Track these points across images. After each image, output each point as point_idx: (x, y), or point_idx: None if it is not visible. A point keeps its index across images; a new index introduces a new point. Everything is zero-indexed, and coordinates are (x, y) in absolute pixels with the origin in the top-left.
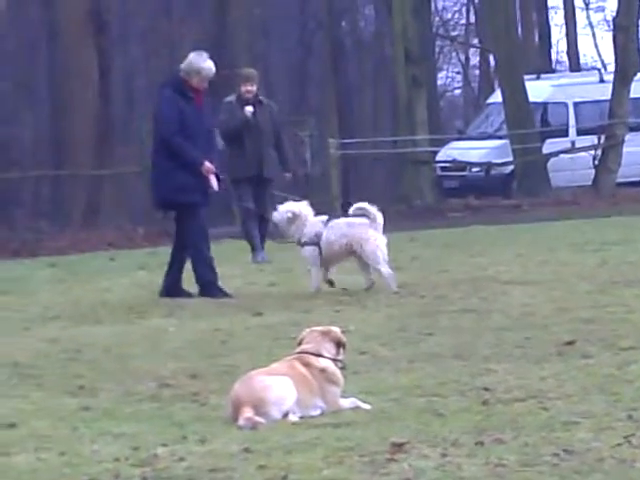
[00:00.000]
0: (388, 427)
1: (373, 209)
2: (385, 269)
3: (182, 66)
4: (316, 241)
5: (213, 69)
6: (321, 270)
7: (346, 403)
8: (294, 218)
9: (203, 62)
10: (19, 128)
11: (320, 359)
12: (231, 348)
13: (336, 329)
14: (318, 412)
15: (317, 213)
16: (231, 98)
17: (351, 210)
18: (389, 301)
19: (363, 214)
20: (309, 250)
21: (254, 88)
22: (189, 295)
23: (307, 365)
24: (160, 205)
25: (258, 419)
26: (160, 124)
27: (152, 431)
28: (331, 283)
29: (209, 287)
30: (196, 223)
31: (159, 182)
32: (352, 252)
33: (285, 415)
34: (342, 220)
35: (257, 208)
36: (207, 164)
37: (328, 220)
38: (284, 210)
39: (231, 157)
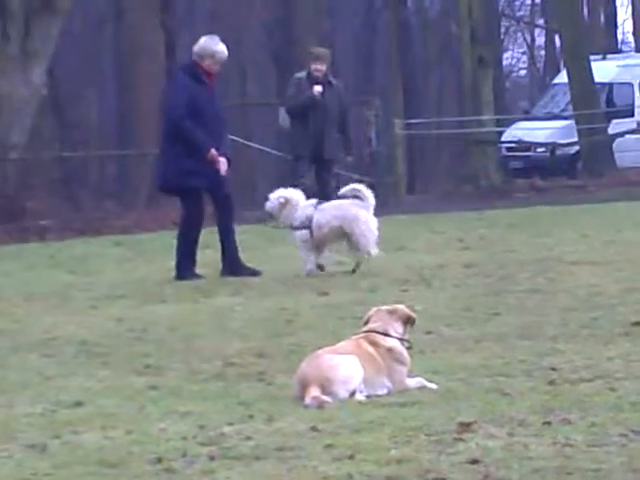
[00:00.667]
0: (455, 407)
1: (365, 190)
2: (374, 251)
3: (195, 50)
4: (307, 225)
5: (226, 52)
6: (313, 253)
7: (413, 383)
8: (285, 203)
9: (216, 45)
10: (85, 107)
11: (387, 338)
12: (297, 327)
13: (403, 307)
14: (385, 391)
15: (382, 193)
16: (301, 74)
17: (343, 190)
18: (456, 281)
19: (356, 195)
20: (300, 234)
21: (324, 67)
22: (253, 272)
23: (374, 344)
24: (163, 189)
25: (325, 398)
26: (169, 108)
27: (218, 410)
28: (321, 267)
29: (183, 271)
30: (195, 209)
31: (165, 166)
32: (344, 234)
33: (352, 394)
34: (332, 202)
35: (319, 188)
36: (213, 151)
37: (318, 203)
38: (276, 197)
39: (294, 134)
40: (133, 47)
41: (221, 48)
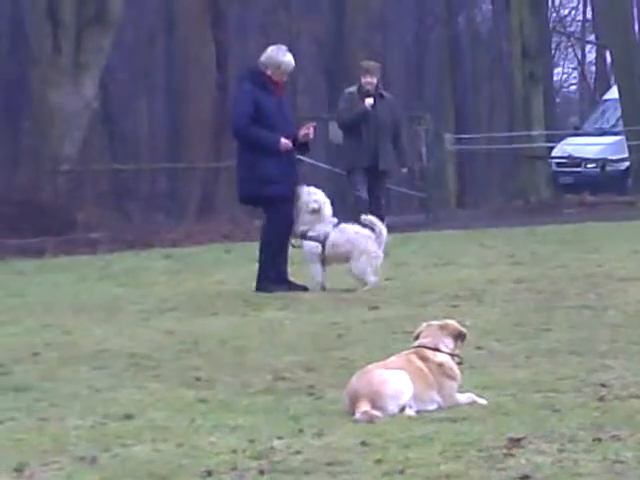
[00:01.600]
0: (505, 422)
1: (380, 225)
2: (371, 278)
3: (261, 59)
4: (321, 240)
5: (292, 63)
6: (321, 267)
7: (463, 398)
8: (317, 210)
9: (283, 56)
10: (136, 120)
11: (437, 353)
12: (347, 341)
13: (454, 322)
14: (435, 407)
15: (432, 208)
16: (352, 89)
17: (362, 219)
18: (506, 296)
19: (371, 227)
20: (312, 246)
21: (374, 80)
22: (303, 288)
23: (424, 359)
24: (246, 200)
25: (375, 413)
26: (235, 117)
27: (268, 424)
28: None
29: (265, 283)
30: (279, 218)
31: (243, 176)
32: (349, 259)
33: (402, 409)
34: (351, 226)
35: (371, 200)
36: (282, 140)
37: (338, 223)
38: (314, 198)
39: (347, 147)
40: (184, 60)
41: (288, 59)
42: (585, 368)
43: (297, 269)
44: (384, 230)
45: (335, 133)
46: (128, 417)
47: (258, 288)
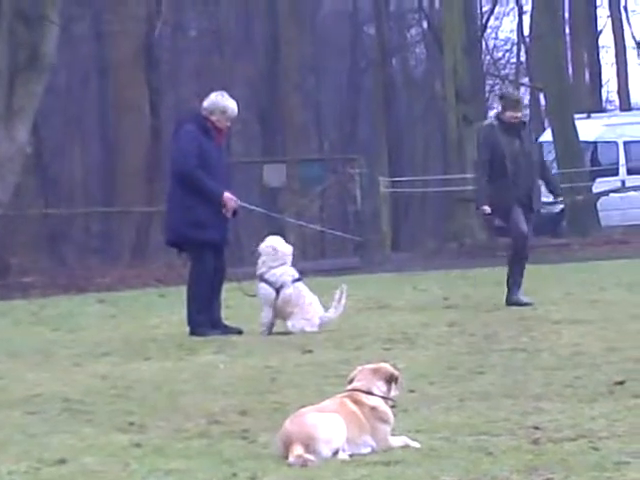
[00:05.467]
0: (438, 465)
1: (343, 296)
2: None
3: (205, 105)
4: (277, 287)
5: (236, 109)
6: (272, 310)
7: (396, 441)
8: (274, 254)
9: (228, 101)
10: (70, 164)
11: (370, 397)
12: (281, 385)
13: (387, 366)
14: (368, 450)
15: (366, 251)
16: (490, 121)
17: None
18: (439, 339)
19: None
20: (266, 289)
21: (519, 115)
22: (237, 331)
23: (357, 403)
24: (174, 242)
25: (308, 457)
26: (180, 158)
27: (202, 468)
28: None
29: (198, 327)
30: (206, 263)
31: (175, 218)
32: (290, 315)
33: (335, 453)
34: (307, 290)
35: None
36: (227, 193)
37: (298, 279)
38: (269, 244)
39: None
40: (118, 104)
41: (233, 104)
42: (519, 411)
43: (232, 312)
44: (344, 299)
45: (270, 176)
46: (62, 462)
47: (192, 332)
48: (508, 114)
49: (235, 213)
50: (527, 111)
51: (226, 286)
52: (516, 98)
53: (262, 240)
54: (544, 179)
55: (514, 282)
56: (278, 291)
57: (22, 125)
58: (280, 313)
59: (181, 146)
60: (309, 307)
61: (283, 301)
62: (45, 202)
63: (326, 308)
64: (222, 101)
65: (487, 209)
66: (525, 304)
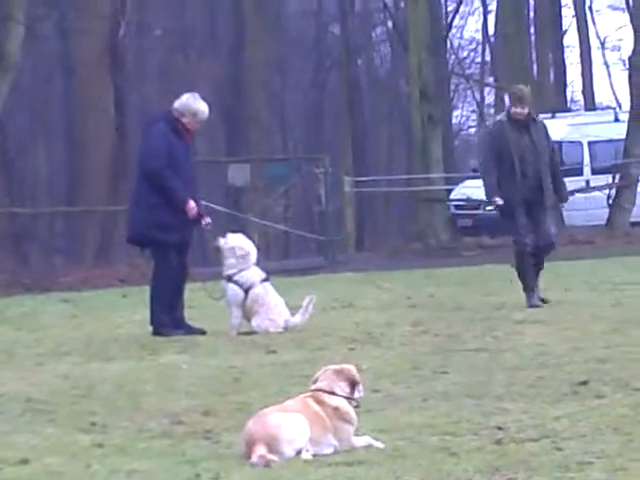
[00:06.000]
0: (401, 466)
1: (310, 308)
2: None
3: (176, 106)
4: (246, 288)
5: (207, 112)
6: (240, 310)
7: (359, 441)
8: (243, 255)
9: (199, 104)
10: (34, 163)
11: (333, 397)
12: (244, 385)
13: (350, 367)
14: (331, 450)
15: (331, 251)
16: (501, 117)
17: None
18: (403, 339)
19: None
20: (235, 290)
21: (525, 110)
22: (200, 332)
23: (320, 403)
24: (136, 240)
25: (271, 457)
26: (149, 156)
27: (165, 468)
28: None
29: (161, 327)
30: (168, 264)
31: (139, 217)
32: (255, 314)
33: (298, 453)
34: (273, 291)
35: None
36: (191, 203)
37: (266, 279)
38: (234, 242)
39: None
40: (83, 103)
41: (204, 107)
42: (482, 411)
43: (196, 312)
44: (312, 307)
45: (234, 176)
46: (24, 462)
47: (155, 333)
48: (513, 110)
49: (200, 220)
50: (526, 110)
51: (190, 286)
52: (519, 94)
53: (223, 236)
54: (553, 179)
55: (529, 287)
56: (247, 292)
57: None
58: (246, 313)
59: (151, 144)
60: (274, 308)
61: (252, 300)
62: (9, 201)
63: (292, 310)
64: (194, 103)
65: (499, 200)
66: (542, 300)
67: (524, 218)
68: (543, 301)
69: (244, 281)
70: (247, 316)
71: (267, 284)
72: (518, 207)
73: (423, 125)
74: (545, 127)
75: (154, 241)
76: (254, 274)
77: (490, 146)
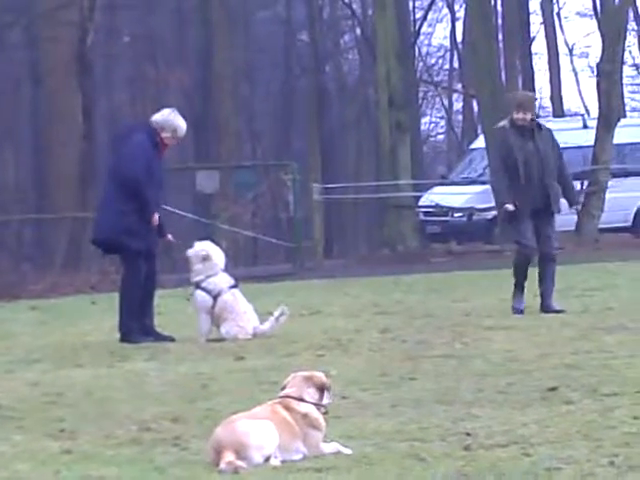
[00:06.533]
0: (370, 472)
1: (284, 315)
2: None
3: (157, 119)
4: (214, 294)
5: (185, 129)
6: (209, 317)
7: (328, 448)
8: (207, 258)
9: (180, 120)
10: (2, 170)
11: (302, 404)
12: (212, 392)
13: (319, 374)
14: (300, 456)
15: (299, 258)
16: (504, 123)
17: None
18: (372, 346)
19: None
20: (203, 297)
21: (528, 117)
22: (169, 339)
23: (289, 409)
24: (102, 244)
25: (239, 463)
26: (129, 164)
27: (133, 475)
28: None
29: (129, 334)
30: (136, 270)
31: (109, 220)
32: (224, 321)
33: (267, 459)
34: (242, 298)
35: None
36: (155, 217)
37: (234, 286)
38: (200, 249)
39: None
40: (50, 110)
41: (183, 125)
42: (451, 417)
43: (165, 319)
44: (283, 318)
45: (203, 183)
46: None
47: (123, 339)
48: (515, 116)
49: (162, 234)
50: (529, 116)
51: (159, 293)
52: (520, 100)
53: (191, 246)
54: (561, 184)
55: (545, 290)
56: (215, 298)
57: None
58: (215, 320)
59: (132, 153)
60: (243, 315)
61: (220, 308)
62: None
63: (261, 317)
64: (175, 120)
65: (510, 206)
66: (558, 311)
67: (529, 224)
68: (558, 312)
69: (212, 288)
70: (216, 323)
71: (236, 291)
72: (523, 213)
73: (391, 132)
74: (551, 133)
75: (122, 246)
76: (222, 280)
77: (497, 152)
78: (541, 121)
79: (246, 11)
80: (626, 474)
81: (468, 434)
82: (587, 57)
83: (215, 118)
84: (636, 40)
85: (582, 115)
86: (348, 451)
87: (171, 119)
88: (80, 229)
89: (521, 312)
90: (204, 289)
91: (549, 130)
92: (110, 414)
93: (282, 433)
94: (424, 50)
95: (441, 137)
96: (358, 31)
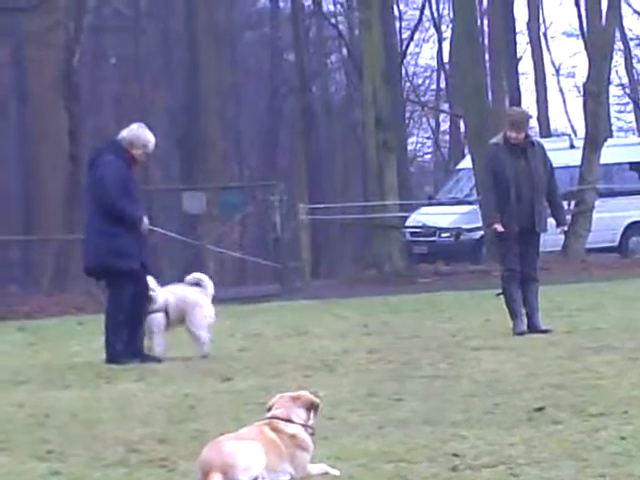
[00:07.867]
0: None
1: (207, 279)
2: (204, 335)
3: (126, 136)
4: (164, 308)
5: (154, 142)
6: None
7: (315, 469)
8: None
9: (148, 135)
10: None
11: (289, 425)
12: (200, 413)
13: (307, 393)
14: (287, 478)
15: (286, 279)
16: (497, 139)
17: (187, 278)
18: (359, 366)
19: (197, 283)
20: (156, 317)
21: (521, 136)
22: (157, 360)
23: (276, 430)
24: (94, 271)
25: None
26: (103, 188)
27: None
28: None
29: (115, 356)
30: (126, 291)
31: (97, 246)
32: (184, 317)
33: None
34: (181, 286)
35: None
36: (146, 222)
37: (164, 286)
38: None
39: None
40: (37, 131)
41: (152, 139)
42: (438, 438)
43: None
44: (210, 284)
45: (189, 204)
46: None
47: (109, 361)
48: (508, 134)
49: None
50: (522, 134)
51: None
52: (514, 118)
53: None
54: (550, 203)
55: (531, 309)
56: (167, 312)
57: None
58: (178, 321)
59: (104, 176)
60: (191, 294)
61: (174, 311)
62: None
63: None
64: (144, 135)
65: (499, 227)
66: (545, 331)
67: (515, 245)
68: (544, 331)
69: (159, 305)
70: (179, 324)
71: (169, 287)
72: (510, 234)
73: (378, 152)
74: (543, 150)
75: (110, 269)
76: (163, 295)
77: (489, 169)
78: (535, 138)
79: (232, 31)
80: None
81: (455, 455)
82: (574, 77)
83: (201, 138)
84: (622, 60)
85: (569, 135)
86: (335, 472)
87: (140, 134)
88: (67, 250)
89: (522, 334)
90: (153, 311)
91: (542, 147)
92: (97, 435)
93: (269, 454)
94: (411, 70)
95: (428, 157)
96: (345, 51)
